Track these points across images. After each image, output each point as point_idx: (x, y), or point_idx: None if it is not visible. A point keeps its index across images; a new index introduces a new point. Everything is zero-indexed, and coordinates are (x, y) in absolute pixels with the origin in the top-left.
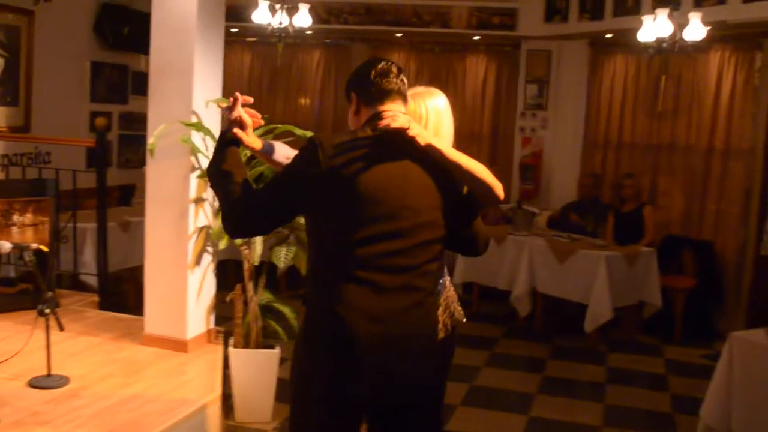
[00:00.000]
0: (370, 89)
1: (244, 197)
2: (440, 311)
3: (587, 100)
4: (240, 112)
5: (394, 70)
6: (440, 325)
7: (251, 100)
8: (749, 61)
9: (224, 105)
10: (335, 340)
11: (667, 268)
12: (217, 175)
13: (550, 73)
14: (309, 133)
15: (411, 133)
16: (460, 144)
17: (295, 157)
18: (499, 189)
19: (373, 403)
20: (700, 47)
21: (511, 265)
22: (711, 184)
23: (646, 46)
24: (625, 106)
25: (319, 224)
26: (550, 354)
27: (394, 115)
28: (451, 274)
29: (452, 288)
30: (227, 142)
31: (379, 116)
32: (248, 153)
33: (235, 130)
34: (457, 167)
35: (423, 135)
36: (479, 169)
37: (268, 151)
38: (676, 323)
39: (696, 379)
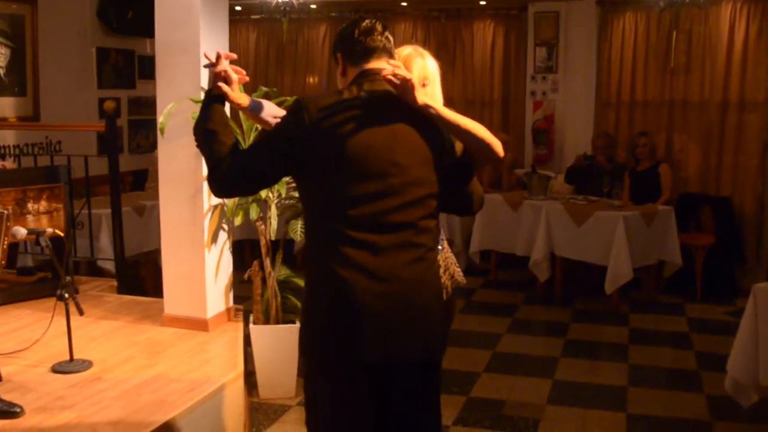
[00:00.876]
0: (355, 48)
1: (230, 157)
2: (440, 272)
3: (598, 60)
4: (225, 66)
5: (379, 27)
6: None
7: (234, 56)
8: (761, 11)
9: (207, 62)
10: (338, 301)
11: (686, 226)
12: (203, 134)
13: (559, 35)
14: None
15: (416, 93)
16: (470, 110)
17: (282, 119)
18: (498, 146)
19: (379, 361)
20: None
21: (529, 231)
22: (727, 138)
23: (656, 1)
24: (636, 64)
25: (309, 187)
26: (572, 317)
27: (398, 65)
28: (467, 243)
29: (449, 250)
30: (212, 99)
31: (365, 74)
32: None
33: (221, 84)
34: (455, 127)
35: (420, 93)
36: (477, 128)
37: (255, 108)
38: (697, 281)
39: (720, 336)
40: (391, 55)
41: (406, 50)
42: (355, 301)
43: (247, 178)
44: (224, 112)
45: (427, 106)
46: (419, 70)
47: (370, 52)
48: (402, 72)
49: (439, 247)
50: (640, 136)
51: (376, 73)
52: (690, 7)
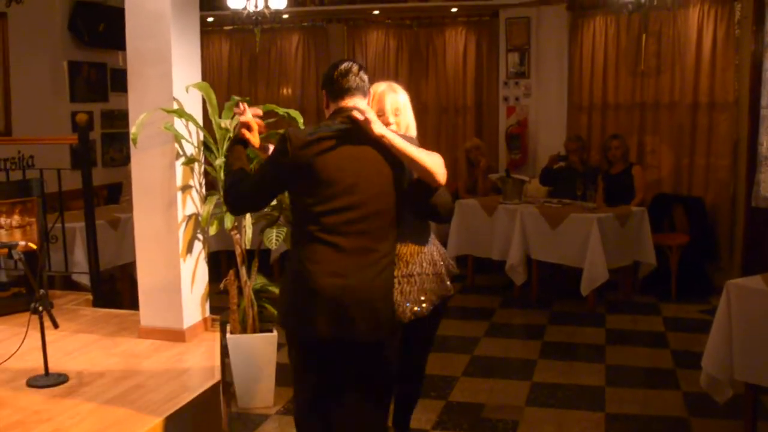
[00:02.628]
0: (334, 87)
1: (239, 184)
2: (439, 262)
3: (569, 64)
4: (248, 117)
5: (354, 69)
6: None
7: (260, 112)
8: (728, 13)
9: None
10: (305, 290)
11: (660, 227)
12: (226, 166)
13: (530, 40)
14: (291, 111)
15: (372, 126)
16: (444, 117)
17: (273, 150)
18: (439, 176)
19: (329, 338)
20: (679, 2)
21: (504, 235)
22: (698, 139)
23: (625, 3)
24: (607, 67)
25: (294, 199)
26: (549, 320)
27: (365, 110)
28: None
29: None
30: (236, 141)
31: (340, 111)
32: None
33: (244, 131)
34: (402, 154)
35: (378, 127)
36: (421, 157)
37: (264, 149)
38: (672, 280)
39: (695, 334)
40: (364, 93)
41: (381, 87)
42: (315, 289)
43: (250, 197)
44: (242, 150)
45: (381, 137)
46: (391, 102)
47: (345, 92)
48: (364, 110)
49: (430, 240)
50: (612, 138)
51: (348, 110)
52: (658, 10)
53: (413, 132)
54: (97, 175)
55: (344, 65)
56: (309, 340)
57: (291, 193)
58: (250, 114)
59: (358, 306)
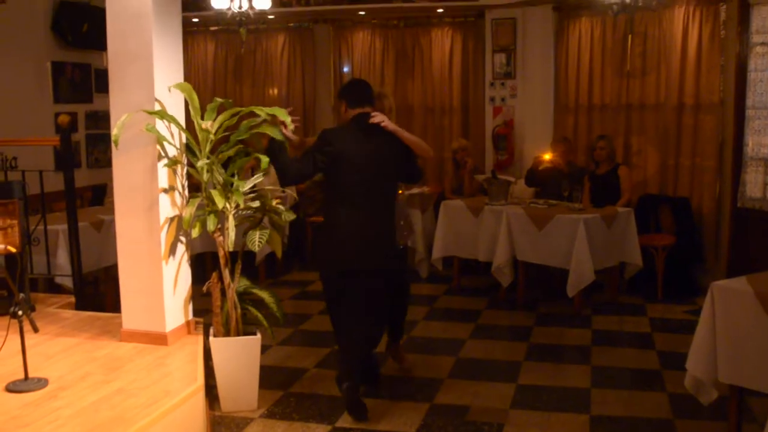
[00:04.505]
0: (353, 98)
1: (291, 164)
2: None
3: (555, 65)
4: (287, 130)
5: (367, 85)
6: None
7: (297, 118)
8: (714, 14)
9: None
10: (337, 238)
11: (646, 227)
12: (271, 152)
13: (516, 41)
14: (276, 109)
15: (384, 124)
16: (430, 117)
17: (314, 143)
18: (429, 152)
19: (347, 267)
20: (664, 3)
21: (490, 236)
22: (684, 140)
23: (610, 4)
24: (593, 68)
25: (327, 177)
26: (535, 321)
27: (379, 114)
28: (430, 249)
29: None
30: (278, 142)
31: (360, 115)
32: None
33: (285, 133)
34: (408, 140)
35: (390, 125)
36: (418, 142)
37: (302, 144)
38: (658, 281)
39: (681, 335)
40: (372, 102)
41: (375, 90)
42: (343, 237)
43: (298, 174)
44: (283, 144)
45: (394, 131)
46: (387, 104)
47: (361, 101)
48: (379, 119)
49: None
50: (598, 139)
51: (366, 114)
52: (644, 10)
53: None
54: (82, 176)
55: (360, 83)
56: (339, 271)
57: (325, 173)
58: (292, 126)
59: (370, 247)
